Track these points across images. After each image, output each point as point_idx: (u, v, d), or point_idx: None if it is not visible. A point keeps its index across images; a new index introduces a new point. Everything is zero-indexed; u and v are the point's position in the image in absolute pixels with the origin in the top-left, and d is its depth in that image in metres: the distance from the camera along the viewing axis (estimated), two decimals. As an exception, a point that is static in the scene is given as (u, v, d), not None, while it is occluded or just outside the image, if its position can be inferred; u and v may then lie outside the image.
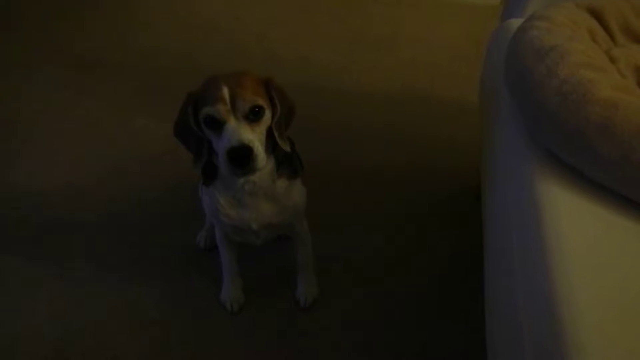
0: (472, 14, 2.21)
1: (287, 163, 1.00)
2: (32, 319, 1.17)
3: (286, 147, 0.92)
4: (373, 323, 1.17)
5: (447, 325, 1.17)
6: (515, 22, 1.06)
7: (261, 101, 0.86)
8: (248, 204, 0.99)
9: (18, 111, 1.72)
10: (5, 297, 1.21)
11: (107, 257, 1.30)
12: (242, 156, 0.83)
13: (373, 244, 1.34)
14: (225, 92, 0.84)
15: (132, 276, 1.26)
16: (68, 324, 1.17)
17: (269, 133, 0.90)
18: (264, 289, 1.23)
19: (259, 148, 0.85)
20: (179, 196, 1.43)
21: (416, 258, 1.31)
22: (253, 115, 0.86)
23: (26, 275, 1.26)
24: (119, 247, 1.32)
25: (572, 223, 0.74)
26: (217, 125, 0.85)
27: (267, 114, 0.88)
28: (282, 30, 2.11)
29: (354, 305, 1.21)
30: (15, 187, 1.47)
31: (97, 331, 1.15)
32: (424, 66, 1.94)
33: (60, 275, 1.26)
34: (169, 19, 2.16)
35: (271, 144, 0.92)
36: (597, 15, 0.92)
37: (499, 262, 0.88)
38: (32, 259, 1.29)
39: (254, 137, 0.85)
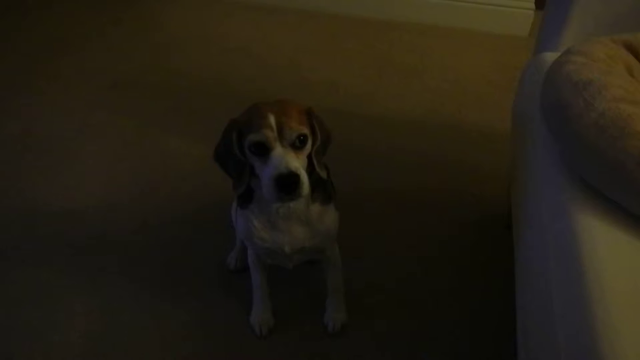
0: (499, 44, 2.23)
1: (321, 188, 1.02)
2: (67, 333, 1.20)
3: (324, 175, 0.95)
4: (401, 349, 1.17)
5: (477, 353, 1.16)
6: (550, 55, 1.07)
7: (305, 130, 0.89)
8: (282, 227, 1.01)
9: (55, 130, 1.78)
10: (41, 311, 1.24)
11: (140, 274, 1.32)
12: (289, 183, 0.85)
13: (401, 268, 1.35)
14: (272, 120, 0.87)
15: (163, 294, 1.28)
16: (101, 339, 1.19)
17: (308, 160, 0.93)
18: (293, 312, 1.24)
19: (304, 175, 0.87)
20: (210, 216, 1.46)
21: (445, 283, 1.31)
22: (298, 143, 0.89)
23: (62, 289, 1.29)
24: (151, 264, 1.35)
25: (611, 256, 0.74)
26: (263, 151, 0.88)
27: (309, 142, 0.91)
28: (312, 55, 2.15)
29: (382, 330, 1.21)
30: (52, 203, 1.51)
31: (130, 347, 1.17)
32: (452, 93, 1.96)
33: (94, 290, 1.29)
34: (202, 43, 2.22)
35: (309, 171, 0.94)
36: (633, 50, 0.93)
37: (535, 295, 0.87)
38: (68, 274, 1.32)
39: (299, 164, 0.88)
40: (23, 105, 1.88)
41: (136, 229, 1.44)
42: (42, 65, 2.08)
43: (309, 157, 0.93)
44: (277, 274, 1.23)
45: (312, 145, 0.92)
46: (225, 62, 2.10)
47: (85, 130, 1.78)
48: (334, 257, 1.16)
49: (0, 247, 1.39)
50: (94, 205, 1.51)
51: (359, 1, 2.36)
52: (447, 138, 1.76)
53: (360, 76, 2.04)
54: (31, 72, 2.05)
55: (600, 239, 0.76)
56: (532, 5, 2.23)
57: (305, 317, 1.23)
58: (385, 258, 1.37)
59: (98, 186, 1.57)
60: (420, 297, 1.28)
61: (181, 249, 1.39)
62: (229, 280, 1.30)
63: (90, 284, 1.30)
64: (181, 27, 2.35)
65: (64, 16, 2.39)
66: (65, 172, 1.62)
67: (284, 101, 0.92)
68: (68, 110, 1.86)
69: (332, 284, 1.19)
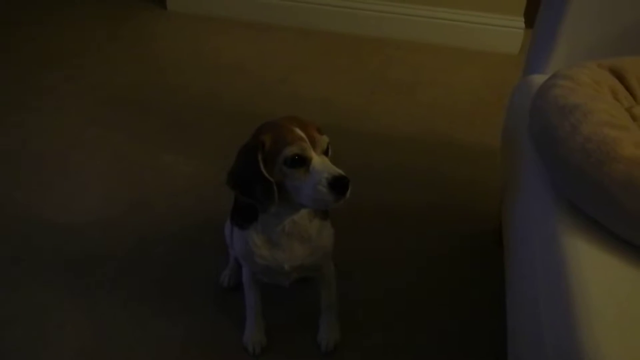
0: (490, 62, 2.26)
1: None
2: (61, 351, 1.19)
3: None
4: (394, 368, 1.18)
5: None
6: (538, 78, 1.10)
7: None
8: (283, 245, 1.02)
9: (50, 146, 1.78)
10: (34, 329, 1.24)
11: (134, 291, 1.32)
12: (344, 184, 0.89)
13: (393, 284, 1.36)
14: (300, 132, 0.91)
15: (156, 312, 1.28)
16: (96, 356, 1.18)
17: None
18: (286, 331, 1.24)
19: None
20: (203, 233, 1.46)
21: (436, 300, 1.32)
22: (326, 152, 0.94)
23: (56, 306, 1.28)
24: (144, 281, 1.35)
25: (597, 277, 0.75)
26: (302, 163, 0.91)
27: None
28: (304, 72, 2.17)
29: (376, 348, 1.21)
30: (46, 219, 1.51)
31: (122, 367, 1.17)
32: (444, 110, 1.98)
33: (89, 307, 1.28)
34: (196, 59, 2.24)
35: None
36: (618, 74, 0.96)
37: (524, 312, 0.89)
38: (63, 290, 1.32)
39: None
40: (18, 120, 1.88)
41: (130, 245, 1.44)
42: (37, 81, 2.08)
43: None
44: (270, 293, 1.23)
45: None
46: (219, 78, 2.12)
47: (80, 146, 1.78)
48: (329, 274, 1.17)
49: (-5, 263, 1.39)
50: (89, 221, 1.51)
51: (352, 19, 2.39)
52: (439, 154, 1.78)
53: (353, 93, 2.06)
54: (26, 87, 2.05)
55: (587, 260, 0.78)
56: (522, 25, 2.27)
57: (298, 336, 1.23)
58: (377, 274, 1.38)
59: (93, 202, 1.57)
60: (412, 313, 1.29)
61: (175, 266, 1.39)
62: (222, 298, 1.31)
63: (85, 301, 1.29)
64: (175, 43, 2.37)
65: (57, 32, 2.40)
66: (60, 188, 1.62)
67: (294, 117, 0.95)
68: (63, 125, 1.87)
69: (326, 301, 1.19)
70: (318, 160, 0.91)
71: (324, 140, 0.93)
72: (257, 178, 0.92)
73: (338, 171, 0.90)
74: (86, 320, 1.25)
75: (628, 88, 0.95)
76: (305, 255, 1.04)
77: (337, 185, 0.89)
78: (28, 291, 1.32)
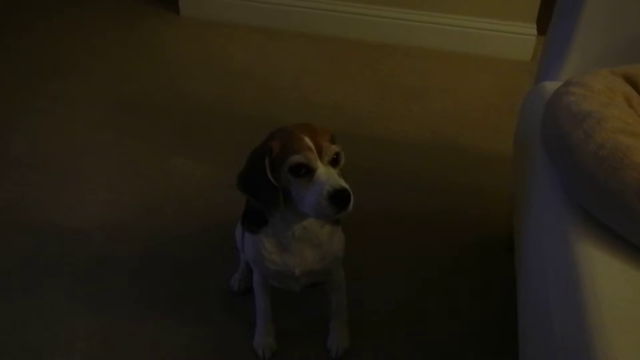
0: (500, 68, 2.26)
1: None
2: (69, 355, 1.20)
3: None
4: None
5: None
6: (550, 85, 1.10)
7: (338, 148, 0.93)
8: (293, 250, 1.03)
9: (59, 150, 1.79)
10: (43, 333, 1.24)
11: (142, 295, 1.33)
12: (345, 197, 0.89)
13: (401, 290, 1.35)
14: (309, 141, 0.90)
15: (166, 316, 1.28)
16: (104, 362, 1.19)
17: None
18: (296, 336, 1.24)
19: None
20: (213, 237, 1.47)
21: (445, 306, 1.32)
22: (334, 162, 0.92)
23: (64, 311, 1.29)
24: (154, 286, 1.36)
25: (611, 285, 0.75)
26: (307, 172, 0.90)
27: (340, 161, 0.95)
28: (315, 78, 2.18)
29: (384, 354, 1.21)
30: (55, 223, 1.52)
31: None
32: (454, 116, 1.98)
33: (97, 312, 1.29)
34: (206, 65, 2.25)
35: None
36: (632, 81, 0.95)
37: (536, 319, 0.88)
38: (71, 295, 1.33)
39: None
40: (27, 125, 1.90)
41: (139, 249, 1.45)
42: (47, 85, 2.10)
43: None
44: (280, 297, 1.23)
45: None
46: (229, 84, 2.13)
47: (90, 150, 1.80)
48: (339, 280, 1.17)
49: (3, 266, 1.40)
50: (98, 225, 1.52)
51: (362, 25, 2.40)
52: (448, 160, 1.78)
53: (362, 98, 2.07)
54: (35, 91, 2.07)
55: (599, 266, 0.77)
56: (534, 32, 2.27)
57: (308, 341, 1.23)
58: (385, 280, 1.38)
59: (102, 206, 1.58)
60: (421, 320, 1.28)
61: (185, 270, 1.39)
62: (232, 302, 1.31)
63: (93, 305, 1.30)
64: (185, 49, 2.38)
65: (68, 36, 2.43)
66: (69, 192, 1.63)
67: (307, 124, 0.95)
68: (72, 129, 1.88)
69: (335, 307, 1.19)
70: (323, 171, 0.90)
71: (332, 149, 0.92)
72: (264, 183, 0.93)
73: (340, 184, 0.89)
74: (94, 325, 1.26)
75: (642, 95, 0.95)
76: (315, 260, 1.04)
77: (338, 198, 0.88)
78: (36, 296, 1.32)
